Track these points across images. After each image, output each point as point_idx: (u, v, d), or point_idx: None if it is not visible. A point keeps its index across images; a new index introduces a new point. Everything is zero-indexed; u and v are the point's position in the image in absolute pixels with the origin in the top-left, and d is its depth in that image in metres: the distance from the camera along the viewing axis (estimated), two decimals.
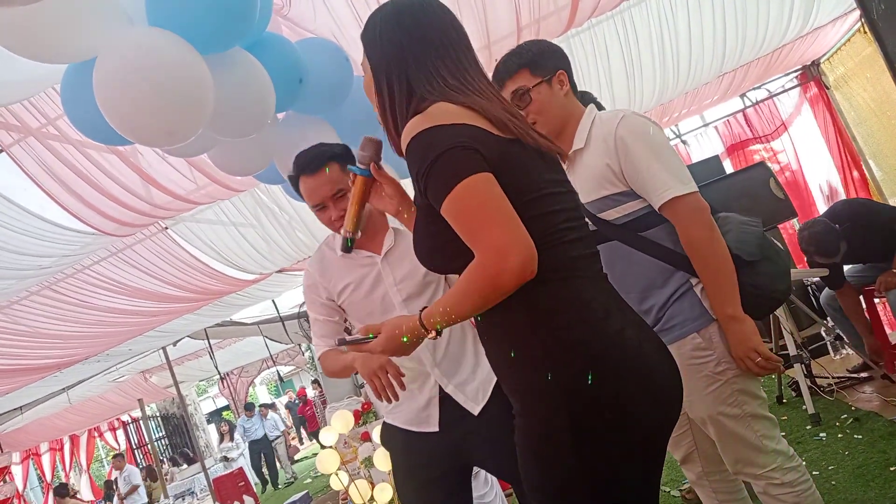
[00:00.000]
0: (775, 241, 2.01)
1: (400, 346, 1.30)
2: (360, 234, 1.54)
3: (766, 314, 2.08)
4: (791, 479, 1.79)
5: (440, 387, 1.99)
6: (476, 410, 1.96)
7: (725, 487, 2.06)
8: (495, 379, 1.92)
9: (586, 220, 1.37)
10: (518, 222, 1.14)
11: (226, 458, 11.05)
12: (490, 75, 1.92)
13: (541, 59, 1.87)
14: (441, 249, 1.26)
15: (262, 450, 11.85)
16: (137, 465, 13.55)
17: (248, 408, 12.48)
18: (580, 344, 1.17)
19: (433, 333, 1.24)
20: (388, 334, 1.30)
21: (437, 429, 2.01)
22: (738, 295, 1.75)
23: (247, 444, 11.85)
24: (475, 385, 1.98)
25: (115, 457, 12.12)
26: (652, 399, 1.19)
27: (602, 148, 1.82)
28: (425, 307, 1.27)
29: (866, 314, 4.09)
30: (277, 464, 12.37)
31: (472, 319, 1.36)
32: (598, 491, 1.17)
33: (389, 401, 1.79)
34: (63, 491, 10.60)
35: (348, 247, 1.55)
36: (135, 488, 10.81)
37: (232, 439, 11.81)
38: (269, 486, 11.87)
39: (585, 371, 1.15)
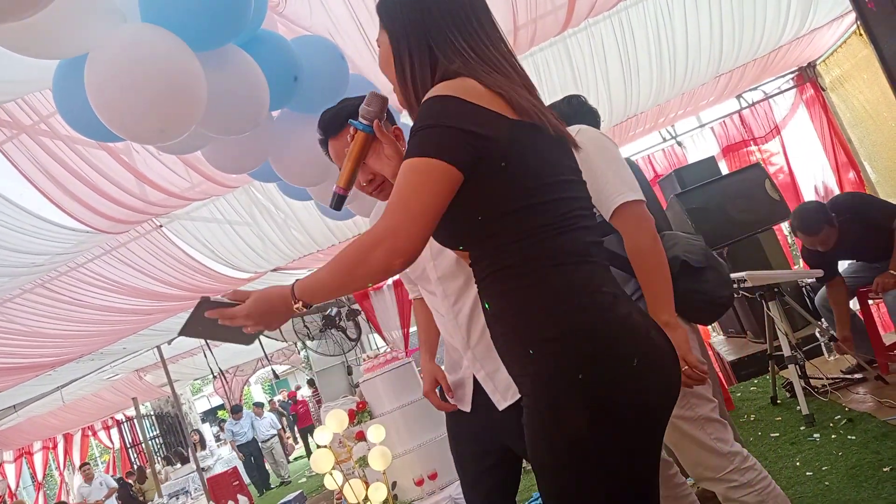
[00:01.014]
0: (716, 255, 2.14)
1: (266, 314, 1.22)
2: (351, 190, 1.47)
3: (713, 319, 2.20)
4: (749, 478, 1.85)
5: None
6: (502, 406, 1.90)
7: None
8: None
9: (594, 209, 1.39)
10: (427, 221, 1.13)
11: (202, 469, 10.03)
12: None
13: None
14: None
15: (251, 452, 11.68)
16: (132, 465, 13.50)
17: (235, 410, 12.14)
18: (593, 327, 1.17)
19: (300, 304, 1.20)
20: (255, 298, 1.23)
21: (469, 409, 2.01)
22: (672, 302, 1.80)
23: (236, 448, 11.69)
24: (509, 380, 1.86)
25: (82, 467, 11.42)
26: (661, 381, 1.21)
27: None
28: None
29: (850, 308, 4.11)
30: (271, 464, 12.28)
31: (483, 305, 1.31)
32: (607, 472, 1.18)
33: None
34: None
35: (338, 204, 1.47)
36: (113, 491, 10.57)
37: (204, 448, 11.51)
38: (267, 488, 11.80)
39: (598, 354, 1.15)
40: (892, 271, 3.80)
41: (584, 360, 1.15)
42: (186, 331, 1.30)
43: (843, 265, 4.27)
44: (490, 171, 1.16)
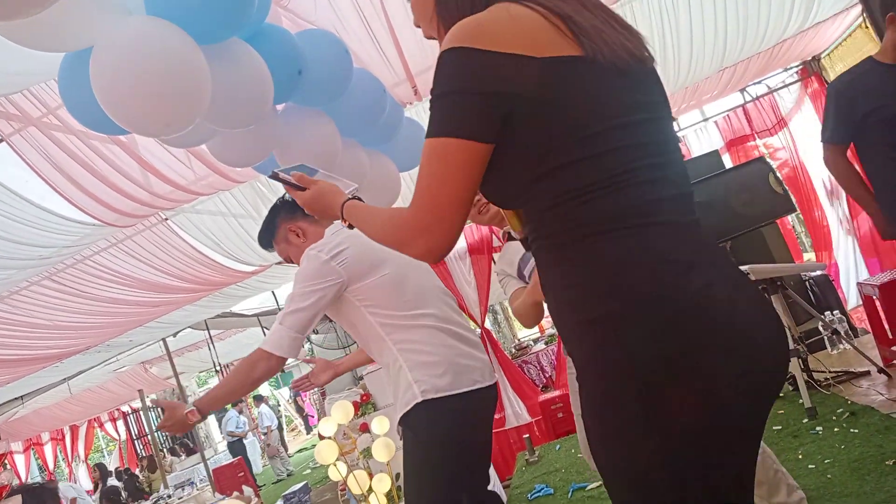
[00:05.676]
0: None
1: (317, 210, 1.42)
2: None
3: None
4: None
5: None
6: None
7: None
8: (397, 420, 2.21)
9: (681, 153, 1.13)
10: (460, 208, 1.04)
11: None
12: None
13: None
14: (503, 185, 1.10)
15: (237, 454, 11.61)
16: (137, 455, 13.58)
17: (235, 403, 12.32)
18: (651, 304, 0.95)
19: (346, 223, 1.31)
20: (316, 194, 1.42)
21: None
22: None
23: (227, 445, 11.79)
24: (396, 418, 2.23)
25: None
26: (746, 366, 0.97)
27: None
28: (356, 198, 1.36)
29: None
30: (271, 458, 12.34)
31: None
32: (675, 475, 0.96)
33: None
34: None
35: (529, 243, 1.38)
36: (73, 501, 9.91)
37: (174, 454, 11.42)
38: (273, 479, 11.85)
39: (657, 337, 0.94)
40: None
41: (637, 347, 0.95)
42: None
43: None
44: (521, 127, 1.00)
